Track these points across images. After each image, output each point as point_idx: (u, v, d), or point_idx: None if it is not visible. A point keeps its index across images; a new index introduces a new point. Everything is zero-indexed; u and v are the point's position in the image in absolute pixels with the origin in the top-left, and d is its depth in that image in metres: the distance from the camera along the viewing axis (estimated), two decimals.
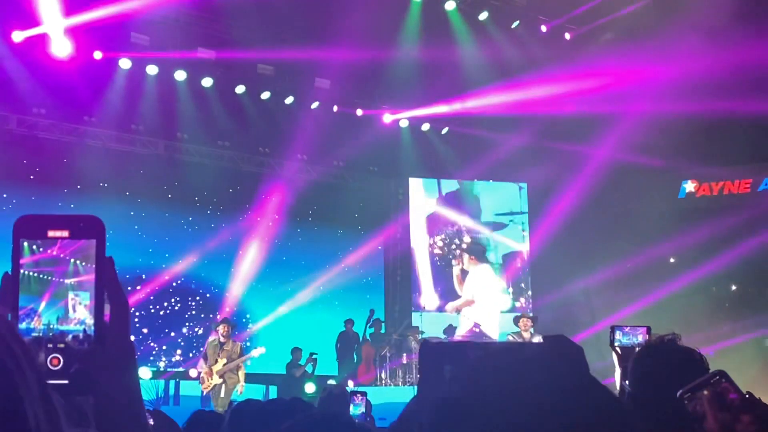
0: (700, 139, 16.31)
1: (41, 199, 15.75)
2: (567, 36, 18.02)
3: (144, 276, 16.90)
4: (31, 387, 0.87)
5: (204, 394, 12.93)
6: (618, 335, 3.81)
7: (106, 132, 16.53)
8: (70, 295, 1.19)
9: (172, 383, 14.10)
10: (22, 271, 1.19)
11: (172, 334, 16.97)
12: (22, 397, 0.86)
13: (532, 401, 1.07)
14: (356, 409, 5.75)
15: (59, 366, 1.16)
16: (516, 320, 13.52)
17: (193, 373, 15.13)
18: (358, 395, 5.89)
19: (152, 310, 16.89)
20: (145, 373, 14.70)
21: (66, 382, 1.16)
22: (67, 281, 1.20)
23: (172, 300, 17.20)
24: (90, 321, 1.18)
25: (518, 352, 1.16)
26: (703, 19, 14.79)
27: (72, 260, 1.21)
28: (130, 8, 14.95)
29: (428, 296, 18.90)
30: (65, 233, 1.20)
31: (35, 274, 1.19)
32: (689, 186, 18.63)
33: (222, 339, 12.87)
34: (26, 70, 15.01)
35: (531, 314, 14.46)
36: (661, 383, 2.82)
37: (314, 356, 15.19)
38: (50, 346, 1.17)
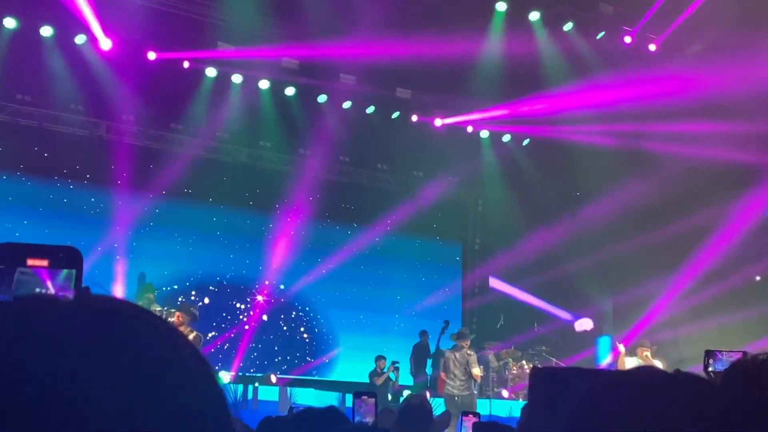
0: None
1: (128, 203, 16.16)
2: (652, 47, 17.68)
3: (224, 281, 17.17)
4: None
5: None
6: (712, 360, 3.67)
7: (191, 139, 16.86)
8: None
9: (250, 387, 14.26)
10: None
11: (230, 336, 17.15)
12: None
13: None
14: None
15: None
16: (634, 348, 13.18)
17: (273, 378, 15.29)
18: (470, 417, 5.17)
19: (230, 315, 17.11)
20: (224, 376, 14.92)
21: None
22: None
23: (251, 304, 17.40)
24: None
25: (653, 385, 1.11)
26: None
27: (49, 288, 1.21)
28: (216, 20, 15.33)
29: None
30: (44, 263, 1.19)
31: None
32: None
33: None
34: (116, 77, 15.42)
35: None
36: (756, 405, 2.72)
37: (396, 364, 15.21)
38: None
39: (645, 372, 1.22)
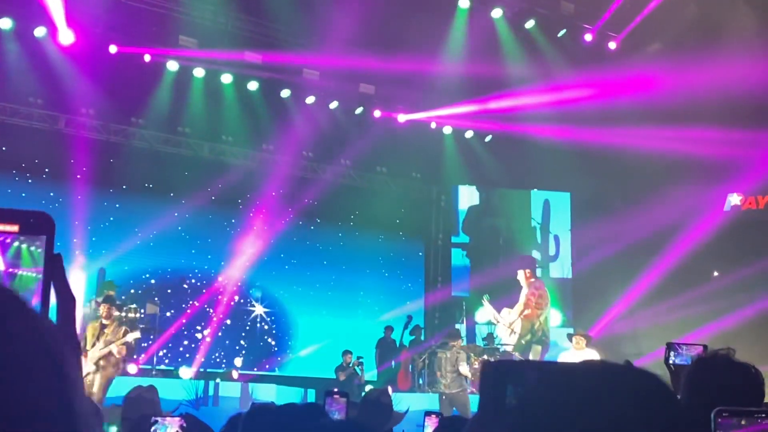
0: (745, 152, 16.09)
1: (87, 198, 15.98)
2: (612, 45, 17.87)
3: (186, 277, 17.07)
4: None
5: None
6: (673, 353, 3.68)
7: (153, 133, 16.72)
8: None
9: (211, 384, 14.19)
10: None
11: (206, 332, 17.09)
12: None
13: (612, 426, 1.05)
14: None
15: None
16: (569, 337, 13.32)
17: (234, 374, 15.24)
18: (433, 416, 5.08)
19: (191, 311, 16.99)
20: (185, 373, 14.84)
21: None
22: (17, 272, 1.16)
23: (212, 301, 17.31)
24: None
25: (596, 374, 1.14)
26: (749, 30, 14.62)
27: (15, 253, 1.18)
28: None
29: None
30: (15, 227, 1.16)
31: None
32: (734, 199, 18.32)
33: (104, 321, 11.33)
34: (76, 71, 15.24)
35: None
36: (715, 397, 2.78)
37: (361, 359, 15.26)
38: None
39: (586, 364, 1.26)
